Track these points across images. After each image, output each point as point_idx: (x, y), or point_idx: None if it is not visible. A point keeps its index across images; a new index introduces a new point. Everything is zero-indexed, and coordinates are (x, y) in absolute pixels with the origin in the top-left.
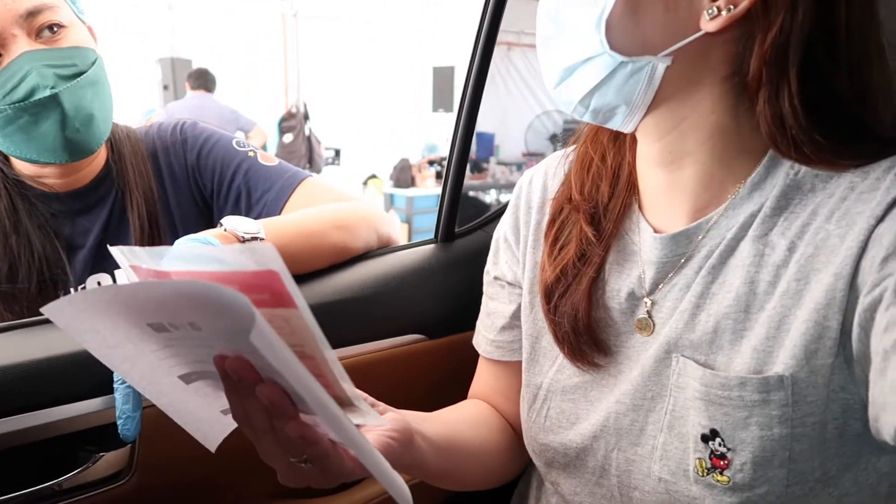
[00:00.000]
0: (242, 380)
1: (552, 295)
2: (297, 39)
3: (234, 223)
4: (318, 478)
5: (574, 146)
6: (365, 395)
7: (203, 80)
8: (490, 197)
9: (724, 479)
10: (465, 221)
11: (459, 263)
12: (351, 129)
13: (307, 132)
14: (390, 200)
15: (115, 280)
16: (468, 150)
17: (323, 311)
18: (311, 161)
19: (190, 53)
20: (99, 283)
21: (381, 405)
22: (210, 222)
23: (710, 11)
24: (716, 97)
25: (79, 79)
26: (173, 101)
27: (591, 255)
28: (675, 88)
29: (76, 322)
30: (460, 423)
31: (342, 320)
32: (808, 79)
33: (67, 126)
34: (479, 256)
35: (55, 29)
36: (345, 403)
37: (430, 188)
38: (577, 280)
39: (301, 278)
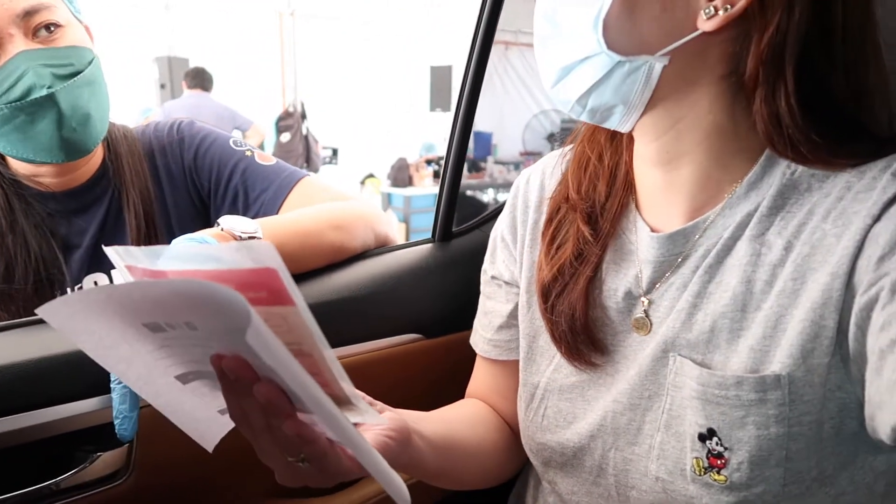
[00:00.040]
0: (239, 379)
1: (549, 294)
2: (295, 38)
3: (231, 222)
4: (315, 477)
5: (571, 145)
6: (363, 394)
7: (200, 79)
8: (488, 196)
9: (721, 478)
10: (462, 221)
11: (457, 263)
12: (348, 128)
13: (304, 131)
14: (388, 200)
15: (111, 280)
16: (465, 149)
17: (320, 311)
18: (309, 160)
19: (187, 52)
20: (96, 283)
21: (379, 404)
22: (207, 222)
23: (706, 11)
24: (713, 97)
25: (75, 78)
26: (170, 99)
27: (588, 254)
28: (672, 88)
29: (71, 323)
30: (458, 422)
31: (340, 320)
32: (805, 78)
33: (64, 126)
34: (477, 256)
35: (52, 28)
36: (342, 402)
37: (427, 187)
38: (575, 279)
39: (298, 278)
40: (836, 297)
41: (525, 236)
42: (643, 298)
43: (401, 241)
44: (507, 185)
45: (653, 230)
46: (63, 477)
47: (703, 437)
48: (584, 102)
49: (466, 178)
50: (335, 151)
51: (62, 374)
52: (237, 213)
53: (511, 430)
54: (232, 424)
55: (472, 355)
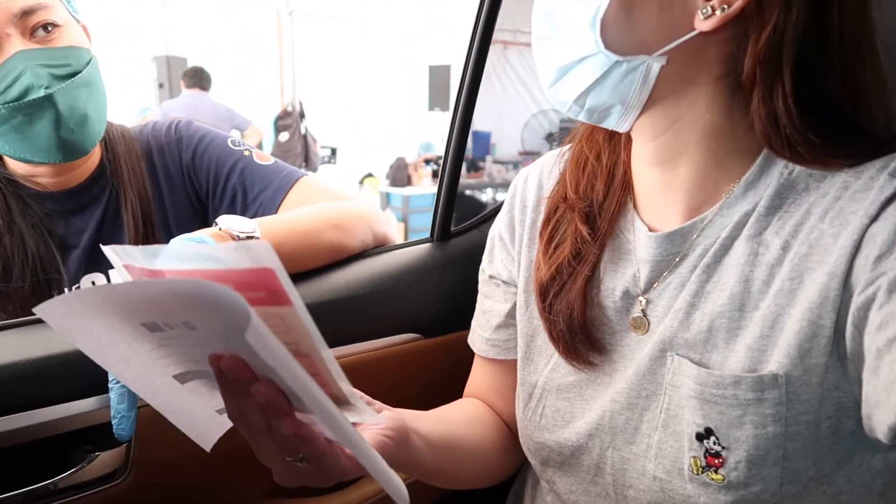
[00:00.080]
0: (238, 379)
1: (547, 293)
2: (293, 38)
3: (229, 222)
4: (314, 477)
5: (569, 145)
6: (361, 393)
7: (198, 79)
8: (486, 196)
9: (719, 477)
10: (461, 220)
11: (455, 262)
12: (347, 127)
13: (303, 131)
14: (387, 199)
15: (109, 279)
16: (464, 148)
17: (319, 310)
18: (308, 160)
19: (185, 51)
20: (93, 283)
21: (378, 404)
22: (205, 222)
23: (704, 11)
24: (710, 96)
25: (73, 79)
26: (168, 99)
27: (586, 253)
28: (669, 88)
29: (69, 322)
30: (456, 421)
31: (338, 319)
32: (802, 79)
33: (62, 126)
34: (475, 255)
35: (50, 28)
36: (341, 402)
37: (426, 187)
38: (572, 279)
39: (297, 277)
40: (834, 296)
41: (523, 236)
42: (641, 298)
43: (399, 240)
44: (505, 185)
45: (651, 230)
46: (61, 476)
47: (700, 437)
48: (581, 102)
49: (465, 178)
50: (334, 151)
51: (60, 374)
52: (235, 213)
53: (509, 429)
54: (230, 424)
55: (470, 355)
